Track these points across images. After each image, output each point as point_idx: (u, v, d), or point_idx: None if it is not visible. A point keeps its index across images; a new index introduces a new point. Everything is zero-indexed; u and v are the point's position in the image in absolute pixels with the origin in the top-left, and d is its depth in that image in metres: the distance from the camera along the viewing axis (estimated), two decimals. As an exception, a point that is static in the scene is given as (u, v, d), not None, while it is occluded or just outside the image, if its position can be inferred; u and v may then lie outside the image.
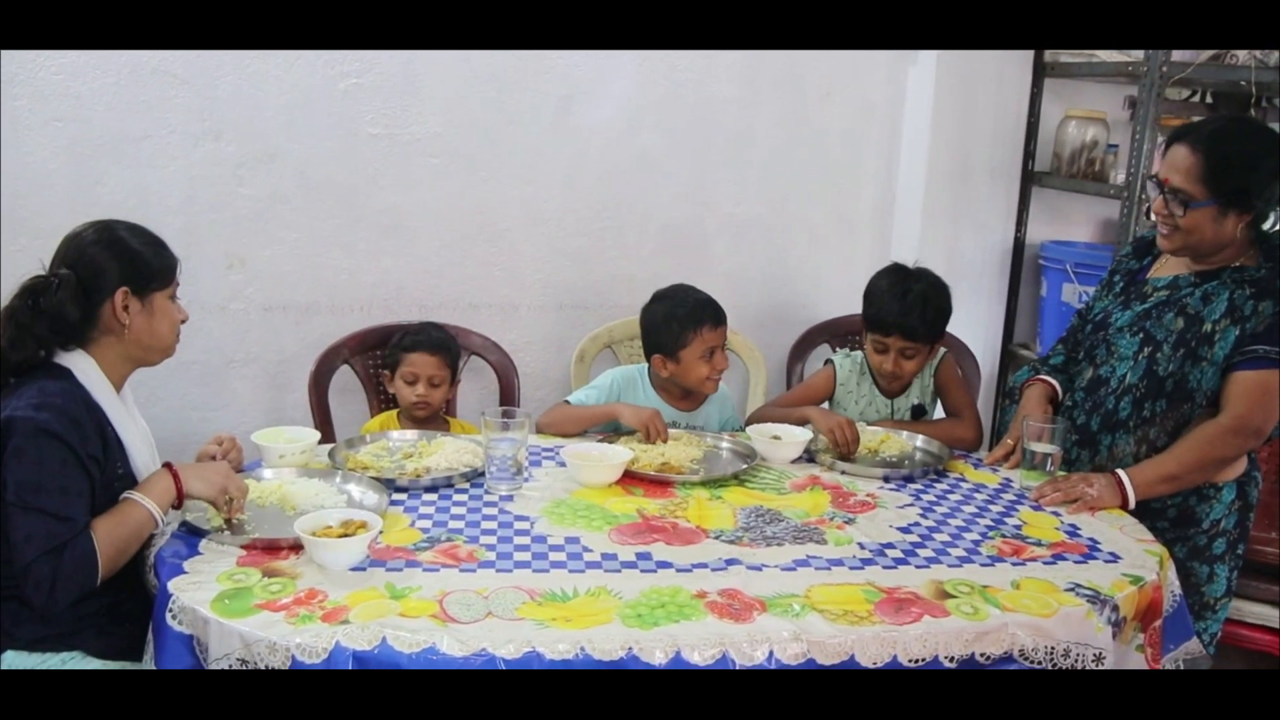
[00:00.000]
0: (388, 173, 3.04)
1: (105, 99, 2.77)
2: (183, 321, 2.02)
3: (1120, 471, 2.23)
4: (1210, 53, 3.22)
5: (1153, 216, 2.31)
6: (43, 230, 2.75)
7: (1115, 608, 1.78)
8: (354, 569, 1.73)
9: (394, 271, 3.11)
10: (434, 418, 2.76)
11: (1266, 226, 2.27)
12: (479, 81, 3.05)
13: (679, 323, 2.59)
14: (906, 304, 2.58)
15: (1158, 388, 2.28)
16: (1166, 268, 2.39)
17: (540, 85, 3.11)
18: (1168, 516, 2.33)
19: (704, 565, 1.82)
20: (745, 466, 2.33)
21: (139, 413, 2.05)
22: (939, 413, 2.82)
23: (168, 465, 1.90)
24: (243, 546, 1.80)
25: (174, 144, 2.85)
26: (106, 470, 1.84)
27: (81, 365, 1.88)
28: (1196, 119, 2.59)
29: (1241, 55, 3.21)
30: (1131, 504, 2.20)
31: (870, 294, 2.67)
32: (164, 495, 1.85)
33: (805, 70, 3.37)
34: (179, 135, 2.85)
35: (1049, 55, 3.52)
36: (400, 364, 2.73)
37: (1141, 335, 2.31)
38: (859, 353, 2.80)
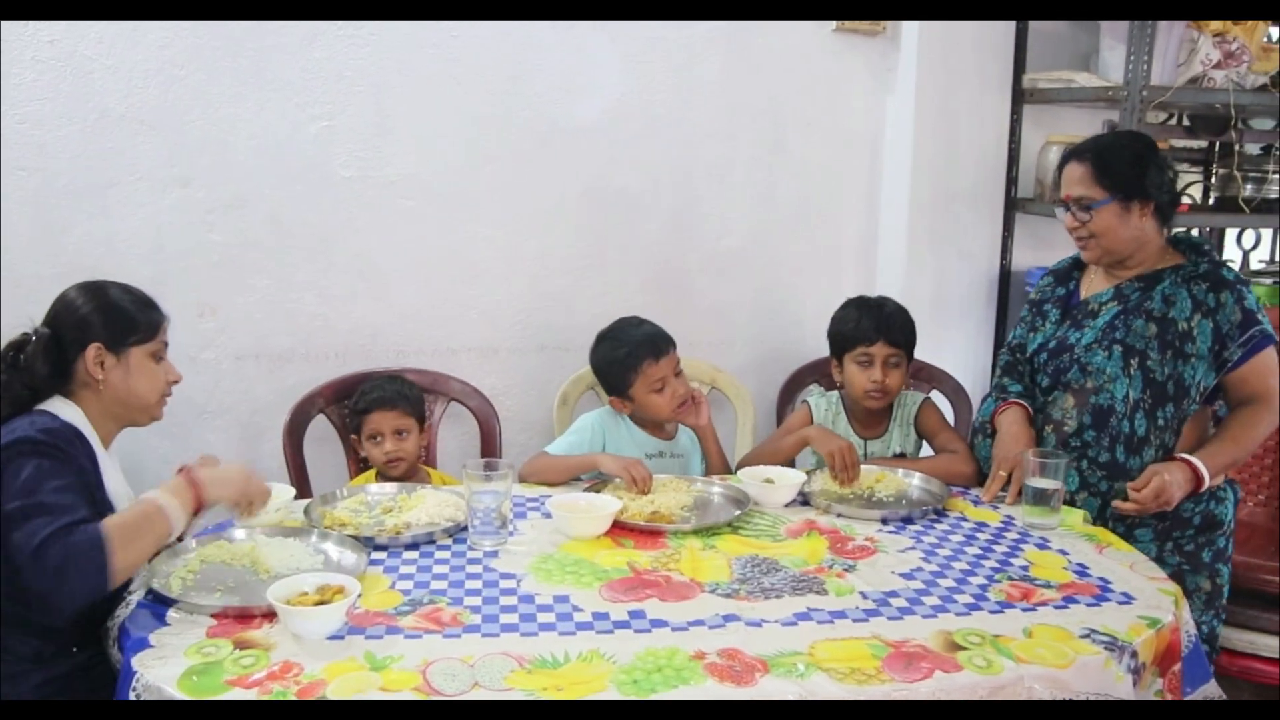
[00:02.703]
0: (361, 216, 2.96)
1: (70, 147, 2.68)
2: (174, 382, 2.01)
3: (1189, 457, 2.28)
4: (1188, 76, 3.20)
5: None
6: (6, 282, 2.67)
7: (1134, 654, 1.70)
8: (332, 638, 1.63)
9: (370, 316, 3.02)
10: (413, 470, 2.68)
11: (1171, 227, 2.47)
12: (453, 120, 2.98)
13: (620, 364, 2.60)
14: (884, 314, 2.67)
15: (1161, 393, 2.36)
16: (1096, 283, 2.49)
17: (516, 123, 3.04)
18: (1194, 524, 2.39)
19: (701, 623, 1.73)
20: (738, 513, 2.24)
21: (123, 477, 2.01)
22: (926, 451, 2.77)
23: (183, 469, 1.88)
24: (213, 615, 1.70)
25: (141, 191, 2.76)
26: (97, 499, 1.81)
27: (65, 411, 1.87)
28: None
29: (1219, 78, 3.19)
30: (1206, 486, 2.28)
31: (841, 320, 2.75)
32: (181, 495, 1.80)
33: (783, 101, 3.32)
34: (146, 182, 2.76)
35: (1027, 81, 3.48)
36: (362, 425, 2.67)
37: (1121, 349, 2.36)
38: (834, 393, 2.80)
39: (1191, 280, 2.37)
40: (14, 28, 2.57)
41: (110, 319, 1.91)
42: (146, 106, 2.72)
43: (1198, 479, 2.27)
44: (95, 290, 1.94)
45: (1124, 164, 2.36)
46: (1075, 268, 2.60)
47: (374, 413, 2.65)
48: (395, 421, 2.64)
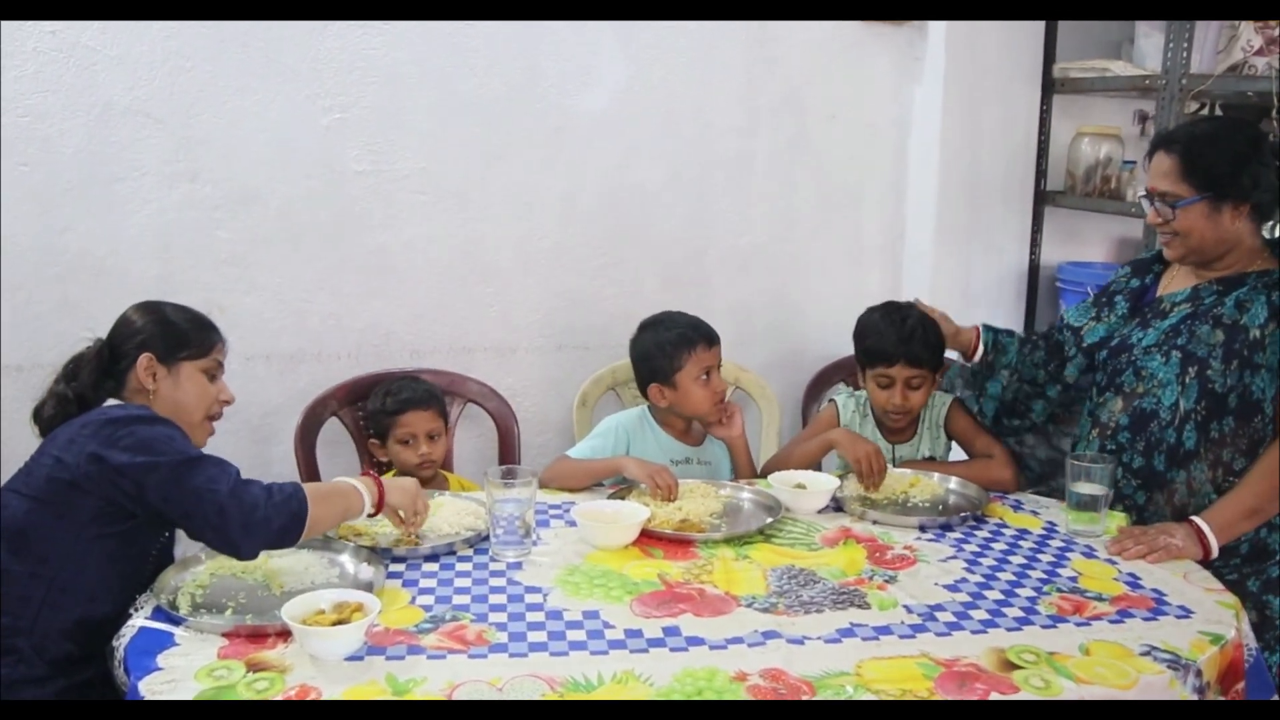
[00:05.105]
0: (374, 212, 2.87)
1: (74, 141, 2.60)
2: (226, 403, 2.03)
3: (1198, 520, 2.07)
4: (1229, 63, 3.10)
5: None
6: (7, 283, 2.58)
7: (1199, 673, 1.60)
8: (350, 659, 1.55)
9: (383, 315, 2.93)
10: (434, 474, 2.59)
11: (1270, 226, 2.24)
12: (468, 114, 2.89)
13: (671, 345, 2.49)
14: (906, 330, 2.48)
15: (1220, 406, 2.15)
16: (1177, 281, 2.30)
17: (531, 117, 2.95)
18: (1240, 552, 2.18)
19: (739, 640, 1.64)
20: (770, 520, 2.15)
21: None
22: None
23: (367, 472, 1.96)
24: (225, 635, 1.61)
25: (147, 187, 2.68)
26: None
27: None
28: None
29: (1260, 66, 3.08)
30: (1214, 554, 2.05)
31: (864, 330, 2.57)
32: (369, 488, 1.88)
33: (806, 94, 3.24)
34: (152, 178, 2.68)
35: (1058, 70, 3.39)
36: (393, 428, 2.57)
37: (1180, 355, 2.18)
38: (862, 392, 2.67)
39: (1274, 287, 2.14)
40: (14, 18, 2.49)
41: (164, 332, 1.94)
42: (152, 99, 2.63)
43: (1205, 543, 2.05)
44: (152, 307, 1.99)
45: (1219, 160, 2.11)
46: (1157, 260, 2.36)
47: (408, 413, 2.56)
48: (429, 424, 2.57)
